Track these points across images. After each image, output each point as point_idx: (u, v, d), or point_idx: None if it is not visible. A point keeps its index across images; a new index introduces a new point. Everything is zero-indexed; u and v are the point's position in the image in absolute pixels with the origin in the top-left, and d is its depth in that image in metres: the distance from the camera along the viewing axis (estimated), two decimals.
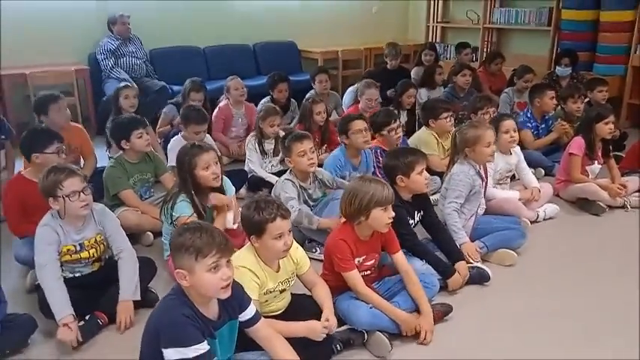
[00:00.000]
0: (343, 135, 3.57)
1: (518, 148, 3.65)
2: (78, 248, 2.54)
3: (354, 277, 2.36)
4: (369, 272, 2.50)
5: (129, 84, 4.52)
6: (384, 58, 6.30)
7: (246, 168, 4.15)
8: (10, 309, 2.37)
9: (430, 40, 7.73)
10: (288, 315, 2.26)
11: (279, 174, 4.06)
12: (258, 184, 3.98)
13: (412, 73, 6.26)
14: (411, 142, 4.04)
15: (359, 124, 3.54)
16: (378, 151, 3.76)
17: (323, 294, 2.32)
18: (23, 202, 2.92)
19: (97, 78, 5.66)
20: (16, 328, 2.31)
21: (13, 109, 5.15)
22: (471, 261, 2.88)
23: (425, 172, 2.81)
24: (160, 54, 6.19)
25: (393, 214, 2.37)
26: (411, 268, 2.50)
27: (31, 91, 5.15)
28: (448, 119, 3.99)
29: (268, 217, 2.09)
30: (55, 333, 2.41)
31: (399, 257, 2.50)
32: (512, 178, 3.77)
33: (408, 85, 5.00)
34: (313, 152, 3.13)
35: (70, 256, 2.52)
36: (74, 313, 2.36)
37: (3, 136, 3.89)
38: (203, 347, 1.73)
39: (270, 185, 3.90)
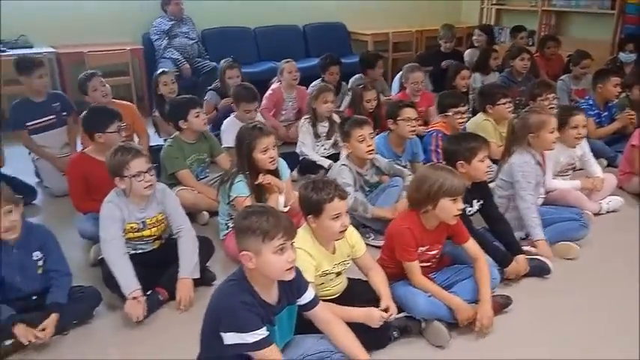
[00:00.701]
0: (391, 120, 3.51)
1: (584, 141, 3.49)
2: (140, 226, 2.60)
3: (413, 268, 2.33)
4: (429, 263, 2.46)
5: (165, 70, 4.55)
6: (436, 40, 6.16)
7: (297, 150, 4.15)
8: (74, 282, 2.46)
9: (484, 22, 7.49)
10: (344, 300, 2.26)
11: (331, 157, 4.08)
12: (309, 167, 3.99)
13: (465, 55, 6.08)
14: (468, 127, 3.93)
15: (409, 112, 3.47)
16: (439, 135, 3.68)
17: (379, 280, 2.31)
18: (86, 179, 3.01)
19: (151, 58, 5.75)
20: (83, 300, 2.39)
21: (72, 87, 5.28)
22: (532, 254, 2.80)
23: (487, 159, 2.74)
24: (212, 34, 6.22)
25: (463, 205, 2.31)
26: (484, 257, 2.44)
27: (88, 69, 5.27)
28: (506, 105, 3.87)
29: (326, 197, 2.10)
30: (118, 306, 2.52)
31: (471, 245, 2.44)
32: (574, 169, 3.63)
33: (461, 66, 4.87)
34: (372, 138, 3.09)
35: (133, 233, 2.59)
36: (140, 288, 2.43)
37: (65, 113, 3.99)
38: (262, 333, 1.75)
39: (321, 169, 3.92)
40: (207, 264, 2.77)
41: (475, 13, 7.71)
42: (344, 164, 3.14)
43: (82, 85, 3.91)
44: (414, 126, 3.47)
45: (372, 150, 3.10)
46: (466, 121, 3.81)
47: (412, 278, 2.34)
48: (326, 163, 3.97)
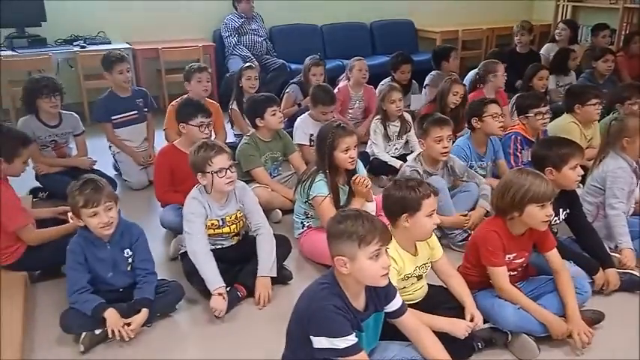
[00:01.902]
0: (475, 118, 3.39)
1: None
2: (220, 223, 2.64)
3: (501, 274, 2.24)
4: (515, 273, 2.36)
5: (252, 65, 4.60)
6: (508, 39, 5.94)
7: (368, 150, 4.10)
8: None
9: (560, 20, 7.16)
10: (426, 307, 2.20)
11: (401, 158, 4.01)
12: (380, 167, 3.94)
13: (543, 50, 5.84)
14: (550, 129, 3.76)
15: (495, 108, 3.36)
16: (518, 137, 3.54)
17: (461, 288, 2.25)
18: (172, 171, 3.08)
19: (221, 54, 5.85)
20: (168, 294, 2.45)
21: (146, 82, 5.44)
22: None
23: (579, 167, 2.59)
24: (279, 32, 6.26)
25: (552, 212, 2.20)
26: (566, 269, 2.33)
27: (162, 66, 5.43)
28: (596, 106, 3.66)
29: (424, 193, 2.08)
30: (197, 300, 2.57)
31: (554, 255, 2.34)
32: None
33: (540, 67, 4.67)
34: (450, 140, 3.01)
35: (214, 230, 2.63)
36: (225, 285, 2.46)
37: (146, 109, 4.11)
38: (352, 339, 1.72)
39: (392, 169, 3.86)
40: (284, 263, 2.77)
41: (549, 11, 7.39)
42: (411, 166, 3.06)
43: (188, 74, 4.01)
44: (502, 121, 3.36)
45: (447, 152, 3.02)
46: (548, 123, 3.64)
47: (499, 286, 2.25)
48: (397, 163, 3.90)
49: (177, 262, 2.82)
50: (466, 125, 3.53)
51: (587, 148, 3.71)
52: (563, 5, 7.28)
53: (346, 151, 2.78)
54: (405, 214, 2.09)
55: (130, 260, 2.40)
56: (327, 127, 2.87)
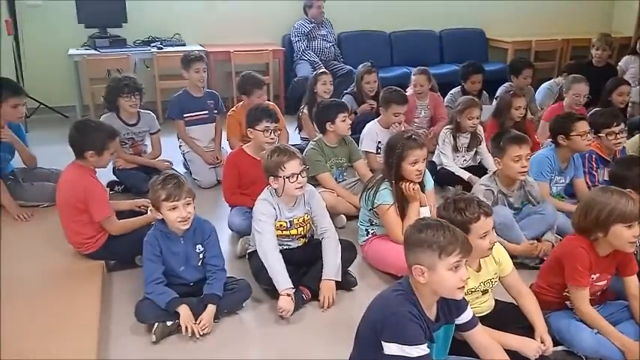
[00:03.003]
0: (561, 136, 3.27)
1: None
2: (288, 225, 2.67)
3: (584, 295, 2.15)
4: (593, 296, 2.25)
5: (326, 71, 4.64)
6: (583, 51, 5.70)
7: (435, 159, 4.04)
8: None
9: None
10: (492, 321, 2.13)
11: (470, 169, 3.93)
12: (446, 177, 3.87)
13: (622, 63, 5.59)
14: (628, 146, 3.58)
15: (584, 126, 3.22)
16: (593, 156, 3.40)
17: (533, 308, 2.17)
18: (240, 174, 3.16)
19: (289, 59, 5.94)
20: (236, 291, 2.50)
21: (217, 84, 5.60)
22: None
23: None
24: (348, 38, 6.28)
25: (639, 232, 2.10)
26: None
27: (233, 68, 5.57)
28: None
29: (472, 216, 2.01)
30: (263, 300, 2.62)
31: (632, 281, 2.23)
32: None
33: (620, 81, 4.46)
34: (528, 159, 2.90)
35: (282, 231, 2.67)
36: (293, 287, 2.49)
37: (215, 111, 4.23)
38: (424, 349, 1.70)
39: (459, 179, 3.79)
40: (348, 268, 2.77)
41: (630, 22, 7.05)
42: (486, 185, 2.96)
43: (246, 87, 3.99)
44: (590, 140, 3.24)
45: (526, 172, 2.91)
46: (622, 142, 3.45)
47: (579, 307, 2.15)
48: (465, 175, 3.83)
49: (244, 260, 2.88)
50: (550, 140, 3.40)
51: None
52: None
53: (414, 163, 2.75)
54: None
55: (201, 256, 2.48)
56: (398, 137, 2.86)
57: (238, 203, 3.17)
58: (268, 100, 4.61)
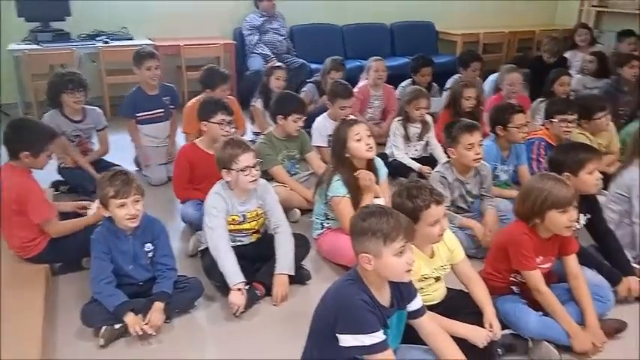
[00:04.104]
0: (499, 127, 3.36)
1: None
2: (241, 219, 2.65)
3: (537, 277, 2.21)
4: None
5: (281, 65, 4.60)
6: (533, 42, 5.87)
7: (387, 151, 4.08)
8: None
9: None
10: (445, 311, 2.17)
11: (422, 160, 4.00)
12: (399, 169, 3.92)
13: (567, 55, 5.79)
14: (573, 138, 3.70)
15: (520, 119, 3.32)
16: (542, 143, 3.50)
17: (483, 294, 2.21)
18: (192, 168, 3.11)
19: (241, 52, 5.86)
20: (188, 290, 2.46)
21: (166, 79, 5.46)
22: None
23: (597, 172, 2.57)
24: (300, 31, 6.25)
25: (575, 216, 2.17)
26: (582, 275, 2.31)
27: (183, 62, 5.45)
28: (604, 119, 3.62)
29: (422, 204, 2.04)
30: (216, 297, 2.57)
31: (572, 260, 2.31)
32: None
33: (562, 72, 4.62)
34: (481, 146, 2.95)
35: (234, 226, 2.64)
36: (245, 281, 2.47)
37: (172, 106, 4.12)
38: (380, 336, 1.72)
39: (412, 171, 3.84)
40: (302, 262, 2.77)
41: (572, 15, 7.31)
42: (441, 173, 3.01)
43: (211, 82, 3.94)
44: (526, 132, 3.33)
45: (480, 158, 2.95)
46: (571, 131, 3.56)
47: (537, 288, 2.21)
48: (416, 166, 3.90)
49: (196, 259, 2.84)
50: (490, 130, 3.49)
51: (604, 154, 3.68)
52: (587, 10, 7.19)
53: (359, 139, 2.76)
54: None
55: (150, 255, 2.42)
56: (338, 126, 2.90)
57: (188, 197, 3.12)
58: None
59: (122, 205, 2.26)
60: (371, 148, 2.80)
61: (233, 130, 3.21)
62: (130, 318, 2.24)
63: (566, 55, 5.84)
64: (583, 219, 2.66)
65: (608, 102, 3.80)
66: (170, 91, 4.16)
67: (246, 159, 2.51)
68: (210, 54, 5.58)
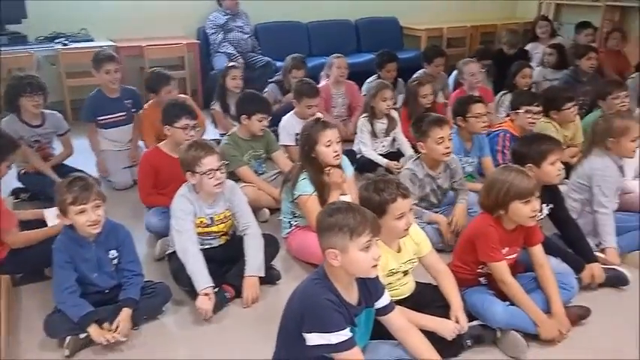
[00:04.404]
0: (459, 117, 3.41)
1: None
2: (209, 222, 2.62)
3: (503, 268, 2.24)
4: None
5: (236, 64, 4.56)
6: (495, 36, 5.97)
7: (355, 148, 4.09)
8: None
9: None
10: (415, 304, 2.20)
11: (389, 155, 4.02)
12: (367, 165, 3.93)
13: (528, 47, 5.92)
14: (536, 129, 3.76)
15: (479, 108, 3.36)
16: (507, 135, 3.56)
17: (451, 287, 2.24)
18: (156, 173, 3.05)
19: (206, 52, 5.79)
20: (155, 296, 2.41)
21: (129, 80, 5.35)
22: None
23: (559, 162, 2.63)
24: (265, 29, 6.21)
25: (538, 207, 2.22)
26: (548, 264, 2.35)
27: (147, 63, 5.36)
28: (571, 109, 3.70)
29: (389, 197, 2.06)
30: (185, 302, 2.54)
31: (537, 250, 2.35)
32: None
33: (523, 64, 4.71)
34: (450, 139, 2.97)
35: (202, 228, 2.61)
36: (213, 285, 2.43)
37: (134, 110, 4.04)
38: (346, 334, 1.72)
39: (379, 167, 3.86)
40: (272, 262, 2.75)
41: (532, 8, 7.45)
42: (412, 170, 3.00)
43: (154, 85, 3.89)
44: (485, 121, 3.37)
45: (450, 152, 2.96)
46: (535, 123, 3.62)
47: (502, 279, 2.24)
48: (384, 162, 3.92)
49: (164, 263, 2.79)
50: (453, 122, 3.53)
51: (568, 146, 3.77)
52: (547, 3, 7.34)
53: (328, 145, 2.76)
54: None
55: (115, 261, 2.37)
56: (308, 124, 2.87)
57: (155, 203, 3.06)
58: (185, 94, 4.49)
59: (82, 212, 2.20)
60: (338, 156, 2.81)
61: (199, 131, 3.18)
62: (93, 329, 2.19)
63: (528, 47, 5.96)
64: (546, 209, 2.72)
65: (573, 93, 3.87)
66: (132, 94, 4.07)
67: (209, 162, 2.47)
68: (173, 54, 5.50)
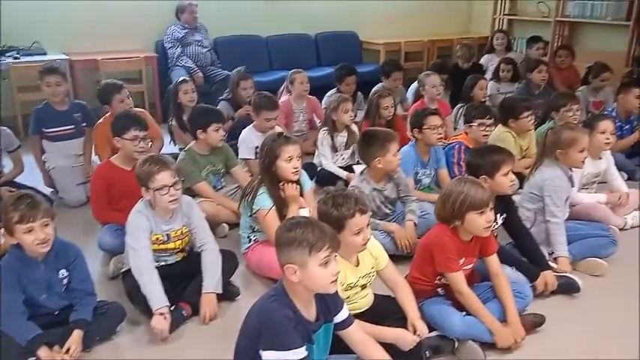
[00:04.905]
0: (416, 129, 3.46)
1: (608, 153, 3.46)
2: (165, 238, 2.56)
3: (460, 278, 2.27)
4: None
5: (186, 78, 4.51)
6: (452, 50, 6.13)
7: (315, 161, 4.10)
8: None
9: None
10: (373, 317, 2.20)
11: (348, 168, 4.04)
12: (327, 178, 3.93)
13: (482, 60, 6.09)
14: (490, 140, 3.87)
15: (435, 120, 3.42)
16: (462, 147, 3.63)
17: (408, 298, 2.25)
18: (110, 188, 2.97)
19: (164, 65, 5.72)
20: (107, 316, 2.34)
21: (84, 95, 5.24)
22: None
23: (511, 173, 2.70)
24: (224, 43, 6.19)
25: (492, 217, 2.26)
26: (504, 274, 2.40)
27: (103, 77, 5.23)
28: (529, 118, 3.82)
29: (347, 212, 2.06)
30: (140, 321, 2.47)
31: (493, 260, 2.40)
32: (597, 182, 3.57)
33: (478, 77, 4.85)
34: (398, 151, 3.02)
35: (158, 245, 2.55)
36: (169, 304, 2.38)
37: (84, 124, 3.94)
38: (302, 352, 1.70)
39: (339, 180, 3.87)
40: (230, 278, 2.71)
41: (486, 24, 7.69)
42: (356, 187, 2.99)
43: (105, 96, 3.83)
44: (441, 133, 3.43)
45: (398, 164, 3.03)
46: (489, 135, 3.72)
47: (459, 290, 2.27)
48: (344, 174, 3.94)
49: (118, 281, 2.71)
50: (410, 134, 3.58)
51: (523, 157, 3.88)
52: (500, 18, 7.59)
53: (289, 160, 2.76)
54: None
55: (65, 281, 2.29)
56: (270, 137, 2.86)
57: (110, 220, 2.98)
58: (142, 108, 4.42)
59: (29, 231, 2.12)
60: (297, 171, 2.81)
61: (149, 144, 3.10)
62: (43, 352, 2.10)
63: (482, 59, 6.13)
64: (500, 219, 2.78)
65: (531, 103, 3.99)
66: (81, 108, 3.99)
67: (163, 178, 2.42)
68: (131, 67, 5.42)
